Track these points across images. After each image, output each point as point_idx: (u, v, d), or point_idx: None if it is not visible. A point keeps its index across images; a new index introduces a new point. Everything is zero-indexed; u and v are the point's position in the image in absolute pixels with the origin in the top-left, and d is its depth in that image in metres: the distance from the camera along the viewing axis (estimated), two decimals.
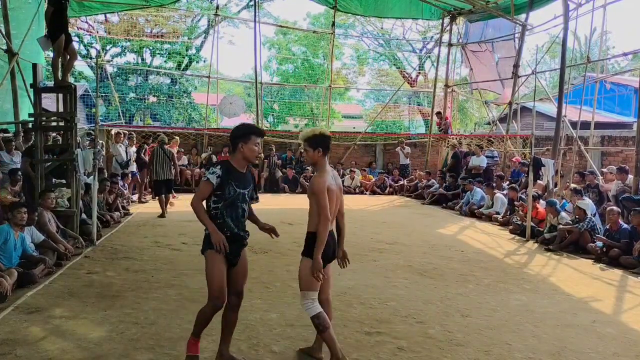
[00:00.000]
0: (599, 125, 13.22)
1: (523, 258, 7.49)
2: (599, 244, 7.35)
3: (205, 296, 3.45)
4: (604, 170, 9.89)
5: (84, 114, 16.84)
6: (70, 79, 8.57)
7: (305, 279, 3.45)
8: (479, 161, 13.28)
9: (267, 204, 11.90)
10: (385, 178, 15.49)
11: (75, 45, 13.25)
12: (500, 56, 15.16)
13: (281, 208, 11.59)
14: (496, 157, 14.23)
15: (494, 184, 11.52)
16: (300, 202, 12.48)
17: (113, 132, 12.56)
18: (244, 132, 3.46)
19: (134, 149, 12.54)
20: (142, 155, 12.24)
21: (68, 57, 7.61)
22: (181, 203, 11.15)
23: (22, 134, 9.29)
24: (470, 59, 16.21)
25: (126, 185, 11.39)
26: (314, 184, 3.45)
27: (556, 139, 10.68)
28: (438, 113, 16.72)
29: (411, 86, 23.43)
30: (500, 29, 14.86)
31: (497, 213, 10.53)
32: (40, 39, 7.66)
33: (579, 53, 24.82)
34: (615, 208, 7.61)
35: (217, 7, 17.25)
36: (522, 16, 13.50)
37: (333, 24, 17.37)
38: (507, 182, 11.97)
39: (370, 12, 17.10)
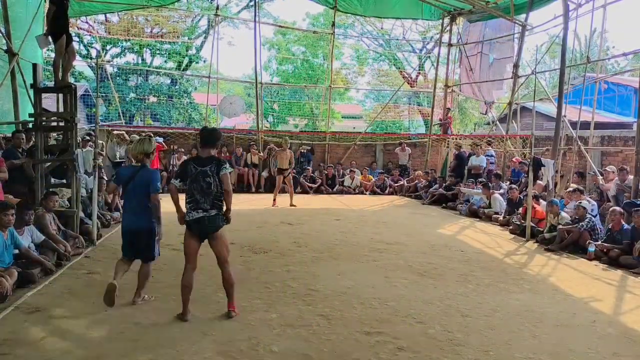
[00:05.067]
0: (599, 125, 13.20)
1: (523, 258, 7.48)
2: (591, 249, 7.32)
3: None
4: (607, 169, 9.87)
5: (84, 114, 16.83)
6: (70, 79, 8.55)
7: None
8: (479, 161, 13.27)
9: (267, 204, 11.90)
10: (385, 178, 15.49)
11: (75, 45, 13.26)
12: (498, 57, 15.13)
13: (281, 208, 11.58)
14: (493, 156, 14.16)
15: (491, 185, 11.45)
16: (300, 202, 12.49)
17: (115, 132, 12.56)
18: None
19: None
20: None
21: (67, 57, 7.61)
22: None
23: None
24: (465, 61, 16.25)
25: None
26: None
27: (556, 139, 10.66)
28: (448, 109, 16.56)
29: (411, 86, 23.42)
30: (499, 29, 14.85)
31: (497, 213, 10.53)
32: (39, 36, 7.61)
33: (579, 53, 24.80)
34: (617, 208, 7.59)
35: (217, 7, 17.24)
36: (522, 16, 13.49)
37: (333, 24, 17.36)
38: (508, 182, 11.95)
39: (370, 12, 17.09)
